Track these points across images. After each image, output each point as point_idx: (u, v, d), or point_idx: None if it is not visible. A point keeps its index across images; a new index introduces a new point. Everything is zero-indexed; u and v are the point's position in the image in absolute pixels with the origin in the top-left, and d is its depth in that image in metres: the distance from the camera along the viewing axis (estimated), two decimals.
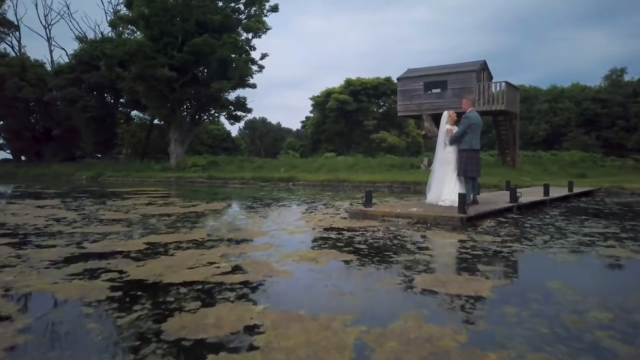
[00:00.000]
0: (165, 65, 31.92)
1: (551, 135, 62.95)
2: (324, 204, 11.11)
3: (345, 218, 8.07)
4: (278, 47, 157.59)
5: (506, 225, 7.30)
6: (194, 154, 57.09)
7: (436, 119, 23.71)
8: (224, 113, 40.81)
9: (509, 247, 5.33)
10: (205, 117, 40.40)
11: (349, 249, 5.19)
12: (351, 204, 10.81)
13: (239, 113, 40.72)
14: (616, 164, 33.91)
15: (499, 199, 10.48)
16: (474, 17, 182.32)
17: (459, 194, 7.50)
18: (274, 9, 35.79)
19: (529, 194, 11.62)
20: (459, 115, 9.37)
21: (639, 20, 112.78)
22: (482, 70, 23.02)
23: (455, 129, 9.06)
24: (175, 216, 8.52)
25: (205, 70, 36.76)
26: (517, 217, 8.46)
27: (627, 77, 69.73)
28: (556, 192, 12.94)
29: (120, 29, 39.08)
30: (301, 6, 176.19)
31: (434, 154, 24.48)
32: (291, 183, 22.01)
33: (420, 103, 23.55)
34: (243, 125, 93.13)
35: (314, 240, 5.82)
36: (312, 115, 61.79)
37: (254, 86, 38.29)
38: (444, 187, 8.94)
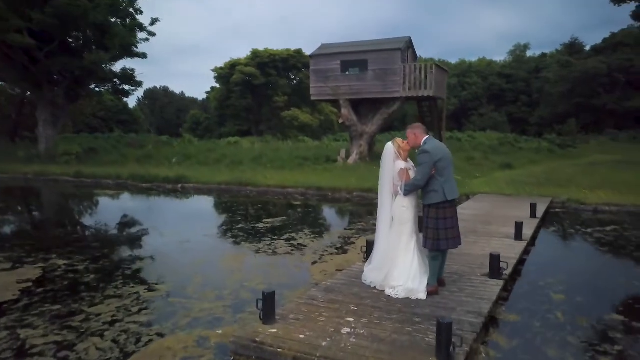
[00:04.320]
0: (23, 29, 25.42)
1: (459, 109, 62.96)
2: (199, 279, 7.18)
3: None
4: (181, 10, 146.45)
5: None
6: (80, 132, 49.68)
7: (355, 105, 20.35)
8: (107, 87, 34.66)
9: None
10: (84, 93, 33.87)
11: None
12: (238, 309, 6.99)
13: (126, 87, 34.79)
14: (532, 146, 33.10)
15: (463, 260, 7.17)
16: None
17: (441, 323, 3.91)
18: None
19: (487, 224, 8.58)
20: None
21: None
22: (407, 48, 19.83)
23: (411, 166, 5.50)
24: None
25: (81, 37, 30.49)
26: (510, 313, 5.18)
27: (529, 53, 71.77)
28: (512, 211, 10.11)
29: None
30: None
31: (351, 144, 21.36)
32: (180, 185, 17.61)
33: (336, 86, 19.94)
34: (142, 95, 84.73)
35: None
36: (217, 86, 56.39)
37: (143, 56, 32.58)
38: (396, 263, 5.41)
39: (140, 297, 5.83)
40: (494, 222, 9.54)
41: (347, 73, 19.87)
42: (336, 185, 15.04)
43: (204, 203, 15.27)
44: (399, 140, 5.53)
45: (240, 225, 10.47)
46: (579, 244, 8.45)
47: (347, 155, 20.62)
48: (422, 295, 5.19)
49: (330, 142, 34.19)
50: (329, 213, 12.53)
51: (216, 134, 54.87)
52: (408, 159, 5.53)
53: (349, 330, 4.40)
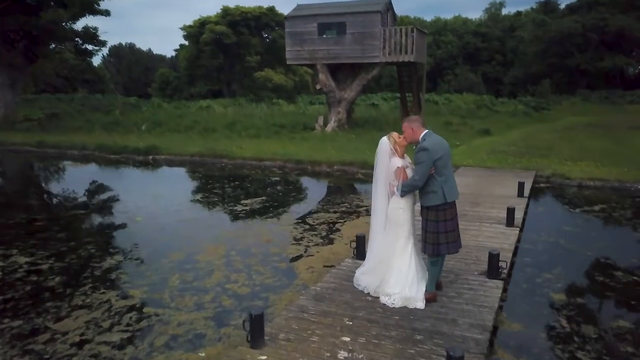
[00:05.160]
0: None
1: (435, 68, 62.31)
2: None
3: None
4: None
5: None
6: (42, 92, 47.24)
7: (333, 70, 19.58)
8: (69, 47, 32.75)
9: None
10: (44, 54, 31.85)
11: None
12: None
13: (89, 47, 32.92)
14: (508, 109, 33.01)
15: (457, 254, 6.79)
16: None
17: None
18: None
19: (473, 206, 8.30)
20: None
21: None
22: (387, 10, 18.99)
23: (408, 163, 5.03)
24: None
25: None
26: (512, 321, 4.90)
27: (504, 11, 70.98)
28: (499, 188, 9.87)
29: None
30: None
31: (329, 111, 20.77)
32: (151, 157, 16.79)
33: (313, 49, 19.07)
34: (107, 52, 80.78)
35: None
36: (186, 43, 54.08)
37: (106, 13, 30.81)
38: (392, 269, 5.01)
39: (112, 308, 5.31)
40: (482, 203, 9.25)
41: (325, 36, 19.00)
42: (315, 158, 14.49)
43: (177, 179, 14.53)
44: (395, 134, 5.02)
45: (217, 208, 9.92)
46: (570, 228, 8.24)
47: (325, 123, 20.00)
48: (420, 304, 4.84)
49: (305, 105, 33.39)
50: (309, 191, 11.96)
51: (186, 93, 52.98)
52: (405, 155, 5.05)
53: (346, 354, 4.01)
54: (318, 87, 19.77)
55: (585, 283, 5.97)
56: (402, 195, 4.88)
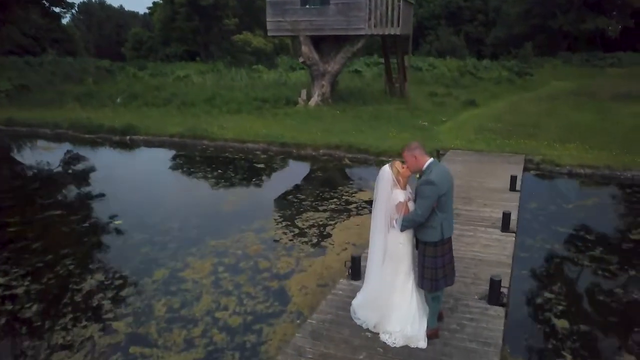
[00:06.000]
0: None
1: (416, 28, 61.00)
2: None
3: None
4: None
5: None
6: (8, 53, 44.91)
7: (316, 42, 18.84)
8: (35, 11, 31.03)
9: None
10: (10, 19, 30.10)
11: None
12: None
13: (56, 9, 31.30)
14: (492, 75, 32.60)
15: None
16: None
17: None
18: None
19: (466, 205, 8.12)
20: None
21: None
22: None
23: (409, 194, 4.70)
24: None
25: None
26: (517, 358, 4.75)
27: None
28: (490, 180, 9.64)
29: None
30: None
31: (312, 84, 20.09)
32: (128, 137, 16.09)
33: (295, 21, 18.22)
34: (76, 9, 76.97)
35: None
36: (159, 1, 51.86)
37: None
38: (392, 305, 4.76)
39: (95, 347, 4.99)
40: (474, 200, 9.02)
41: (307, 7, 18.13)
42: (300, 140, 14.02)
43: (156, 167, 13.63)
44: (397, 164, 4.65)
45: (200, 207, 9.50)
46: (565, 229, 8.09)
47: (308, 97, 19.40)
48: (423, 344, 4.63)
49: (286, 70, 32.46)
50: (296, 182, 11.35)
51: (161, 54, 51.08)
52: (407, 186, 4.72)
53: None
54: (301, 60, 19.02)
55: (587, 304, 5.84)
56: (402, 230, 4.59)
